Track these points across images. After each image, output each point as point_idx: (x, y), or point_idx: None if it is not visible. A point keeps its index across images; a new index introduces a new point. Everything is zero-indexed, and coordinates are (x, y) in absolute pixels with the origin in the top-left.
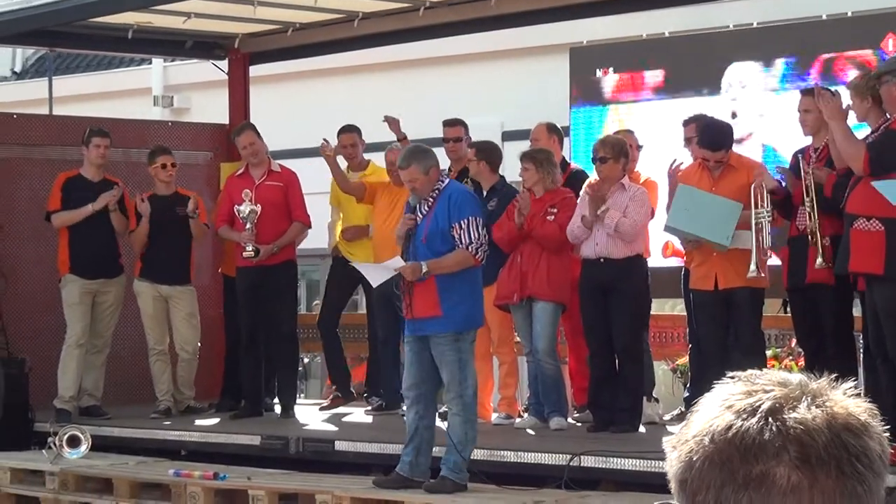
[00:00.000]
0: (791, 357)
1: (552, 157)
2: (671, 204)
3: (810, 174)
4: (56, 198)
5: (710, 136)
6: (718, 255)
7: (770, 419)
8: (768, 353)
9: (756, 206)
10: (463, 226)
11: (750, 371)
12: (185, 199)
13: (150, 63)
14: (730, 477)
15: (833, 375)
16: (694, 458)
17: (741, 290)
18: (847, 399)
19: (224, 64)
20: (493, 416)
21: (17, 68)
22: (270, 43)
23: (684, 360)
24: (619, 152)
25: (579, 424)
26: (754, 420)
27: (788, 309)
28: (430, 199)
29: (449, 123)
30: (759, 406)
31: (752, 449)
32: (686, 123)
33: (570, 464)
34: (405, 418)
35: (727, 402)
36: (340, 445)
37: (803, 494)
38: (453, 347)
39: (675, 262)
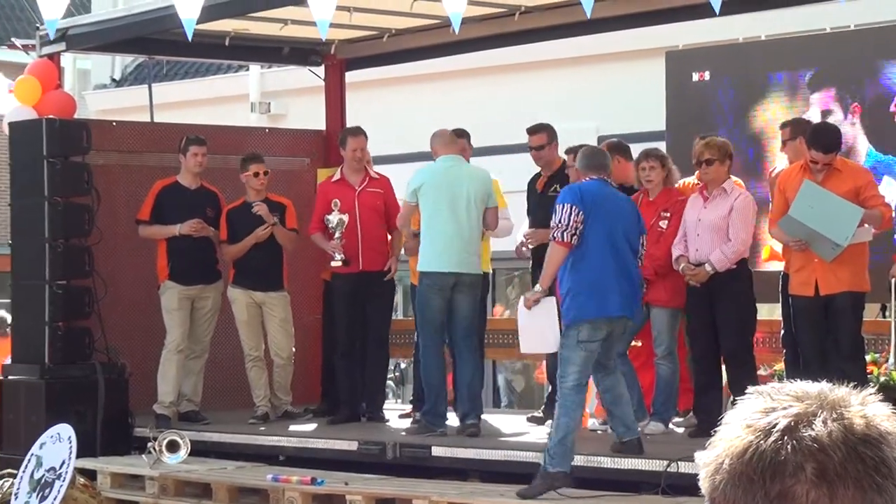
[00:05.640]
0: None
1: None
2: (795, 198)
3: None
4: (148, 207)
5: (824, 138)
6: (819, 261)
7: (786, 438)
8: (867, 358)
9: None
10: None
11: (770, 385)
12: (278, 206)
13: (248, 70)
14: (751, 498)
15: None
16: (716, 479)
17: (841, 296)
18: (866, 407)
19: (321, 70)
20: (590, 422)
21: (117, 76)
22: (366, 49)
23: (781, 365)
24: (724, 154)
25: (680, 430)
26: (770, 440)
27: (888, 313)
28: None
29: (531, 131)
30: (776, 425)
31: (770, 469)
32: (783, 126)
33: (668, 470)
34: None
35: (746, 422)
36: (437, 451)
37: None
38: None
39: (774, 266)
